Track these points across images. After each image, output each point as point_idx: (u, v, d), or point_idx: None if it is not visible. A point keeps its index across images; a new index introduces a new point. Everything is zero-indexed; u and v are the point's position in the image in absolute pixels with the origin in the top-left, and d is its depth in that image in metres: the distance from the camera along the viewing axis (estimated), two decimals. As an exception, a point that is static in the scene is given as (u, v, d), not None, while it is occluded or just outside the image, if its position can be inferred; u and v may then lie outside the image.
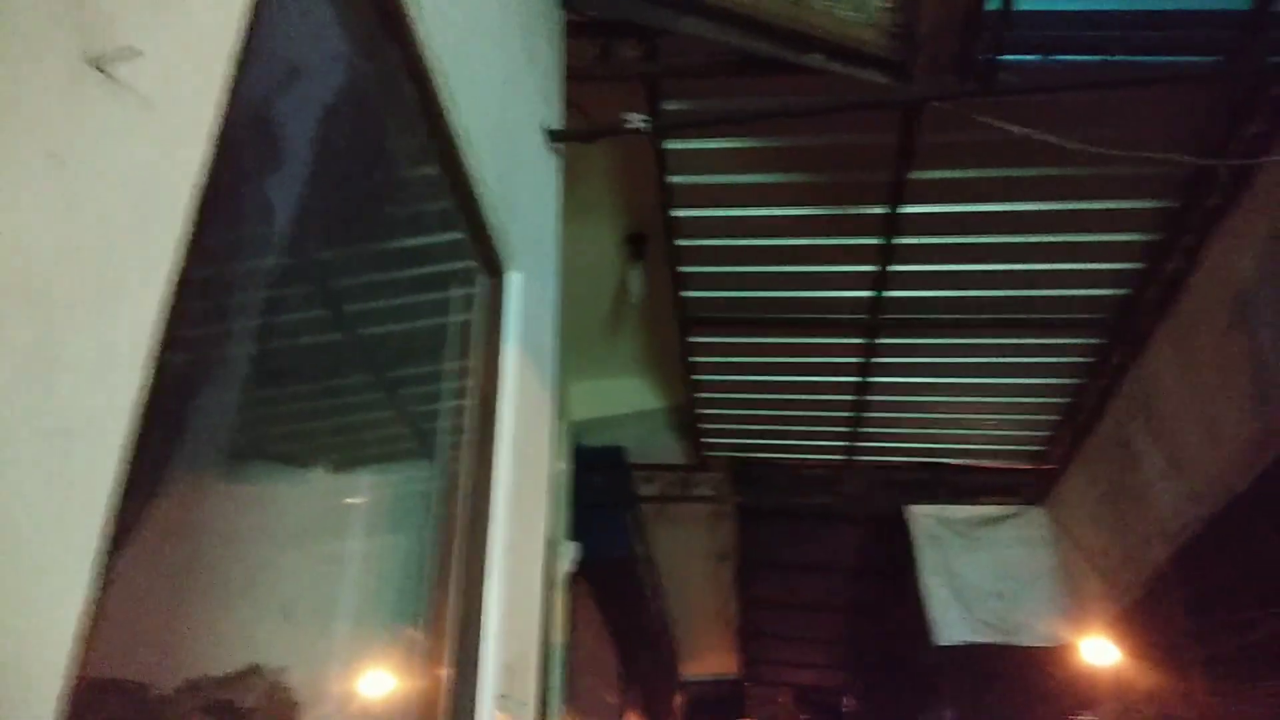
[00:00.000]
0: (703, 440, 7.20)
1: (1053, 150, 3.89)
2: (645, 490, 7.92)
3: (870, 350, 5.87)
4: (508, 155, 2.83)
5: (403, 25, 2.06)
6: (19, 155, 0.86)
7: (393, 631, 2.38)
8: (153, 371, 1.04)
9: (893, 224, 4.83)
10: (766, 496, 7.82)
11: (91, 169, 0.94)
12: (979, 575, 7.18)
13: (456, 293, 2.79)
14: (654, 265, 5.48)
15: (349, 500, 2.48)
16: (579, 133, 3.67)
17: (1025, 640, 7.21)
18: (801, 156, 4.57)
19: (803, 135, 4.44)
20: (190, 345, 1.53)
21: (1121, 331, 5.49)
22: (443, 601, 2.31)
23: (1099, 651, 7.99)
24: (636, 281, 5.51)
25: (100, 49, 0.96)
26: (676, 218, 4.89)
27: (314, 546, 2.30)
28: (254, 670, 1.83)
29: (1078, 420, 6.37)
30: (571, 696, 6.76)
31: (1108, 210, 4.70)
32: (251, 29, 1.31)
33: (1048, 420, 6.54)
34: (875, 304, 5.44)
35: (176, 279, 1.07)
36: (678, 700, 13.04)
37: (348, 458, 2.52)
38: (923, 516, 7.35)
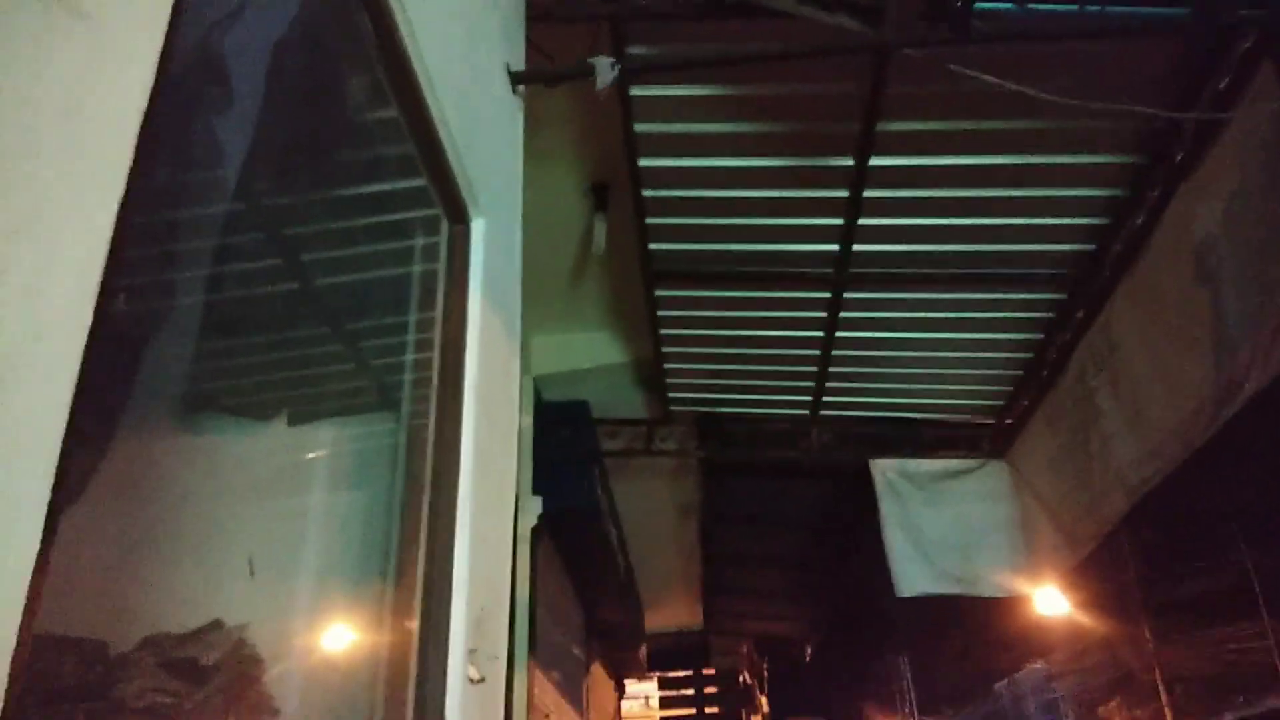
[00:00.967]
0: (669, 395, 7.18)
1: (1021, 104, 3.86)
2: (609, 445, 7.90)
3: (836, 304, 5.86)
4: (471, 96, 2.73)
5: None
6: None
7: (360, 587, 2.34)
8: (98, 312, 0.97)
9: (860, 176, 4.79)
10: (731, 451, 7.84)
11: (18, 86, 0.86)
12: (940, 528, 7.29)
13: (419, 241, 2.71)
14: (615, 216, 5.40)
15: (312, 454, 2.41)
16: (544, 74, 3.56)
17: (984, 591, 7.36)
18: (771, 105, 4.50)
19: (772, 83, 4.36)
20: (138, 291, 1.46)
21: (1085, 286, 5.53)
22: (410, 556, 2.26)
23: (1052, 601, 8.20)
24: (601, 233, 5.43)
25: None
26: (644, 167, 4.80)
27: (277, 501, 2.24)
28: (216, 626, 1.78)
29: (1040, 375, 6.43)
30: (537, 650, 6.78)
31: (1074, 165, 4.70)
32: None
33: (1010, 375, 6.61)
34: (841, 258, 5.42)
35: (119, 212, 0.99)
36: (643, 651, 13.19)
37: (310, 410, 2.45)
38: (885, 470, 7.42)
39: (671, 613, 13.46)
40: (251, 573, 1.93)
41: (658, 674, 15.25)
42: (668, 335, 6.33)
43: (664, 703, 15.53)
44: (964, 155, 4.68)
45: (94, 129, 0.97)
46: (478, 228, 2.75)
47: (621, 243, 5.53)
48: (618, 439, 7.95)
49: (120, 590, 1.59)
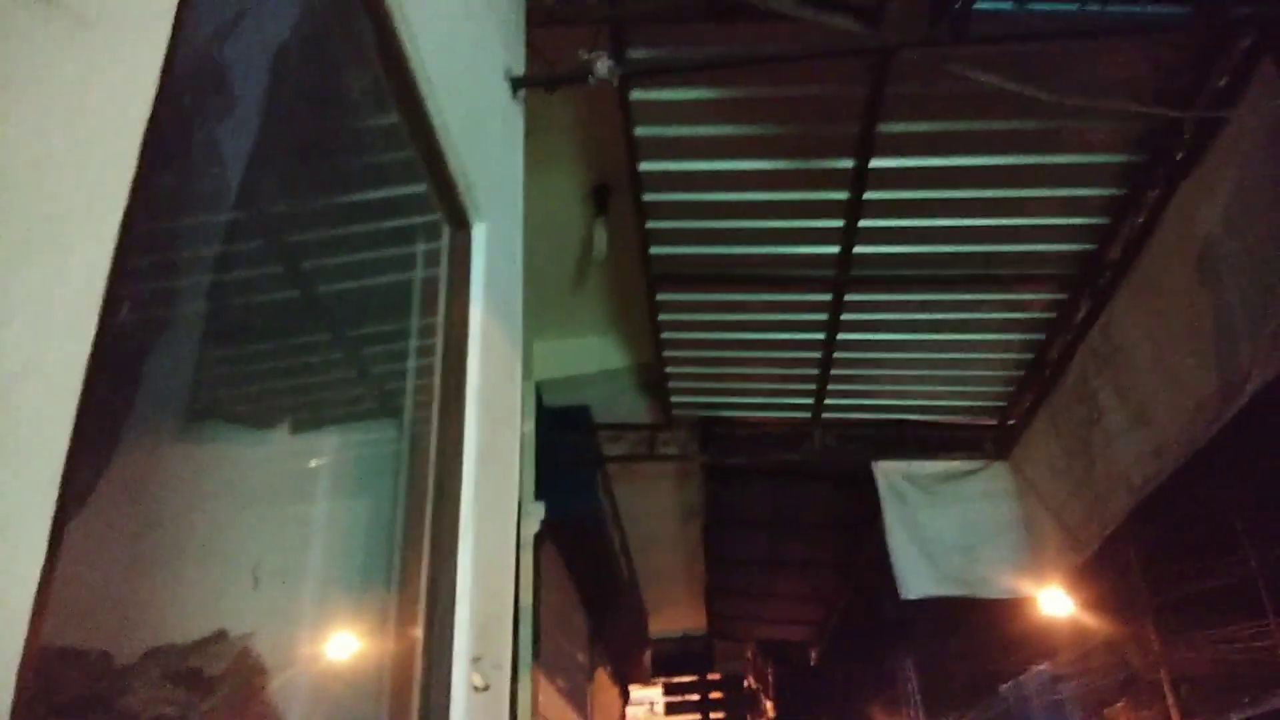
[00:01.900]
0: (671, 399, 7.18)
1: (1021, 104, 3.86)
2: (611, 450, 7.90)
3: (837, 307, 5.85)
4: (471, 101, 2.73)
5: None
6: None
7: (364, 595, 2.33)
8: (103, 320, 0.97)
9: (861, 178, 4.78)
10: (733, 454, 7.84)
11: (22, 97, 0.86)
12: (944, 530, 7.27)
13: (420, 247, 2.70)
14: (615, 220, 5.39)
15: (314, 461, 2.40)
16: (544, 79, 3.56)
17: (989, 593, 7.34)
18: (771, 108, 4.49)
19: (772, 86, 4.36)
20: (143, 298, 1.45)
21: (1087, 286, 5.52)
22: (414, 564, 2.26)
23: (1057, 603, 8.17)
24: (601, 237, 5.42)
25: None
26: (645, 171, 4.80)
27: (281, 509, 2.23)
28: (221, 636, 1.77)
29: (1042, 375, 6.42)
30: (541, 657, 6.77)
31: (1074, 165, 4.70)
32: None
33: (1012, 376, 6.60)
34: (842, 260, 5.41)
35: (123, 221, 0.99)
36: (647, 657, 13.16)
37: (312, 418, 2.44)
38: (889, 472, 7.41)
39: (676, 618, 13.44)
40: (255, 582, 1.92)
41: (662, 679, 15.23)
42: (669, 339, 6.32)
43: (669, 709, 15.54)
44: (964, 155, 4.68)
45: (98, 138, 0.97)
46: (479, 233, 2.75)
47: (622, 247, 5.52)
48: (620, 444, 7.94)
49: (124, 601, 1.58)
